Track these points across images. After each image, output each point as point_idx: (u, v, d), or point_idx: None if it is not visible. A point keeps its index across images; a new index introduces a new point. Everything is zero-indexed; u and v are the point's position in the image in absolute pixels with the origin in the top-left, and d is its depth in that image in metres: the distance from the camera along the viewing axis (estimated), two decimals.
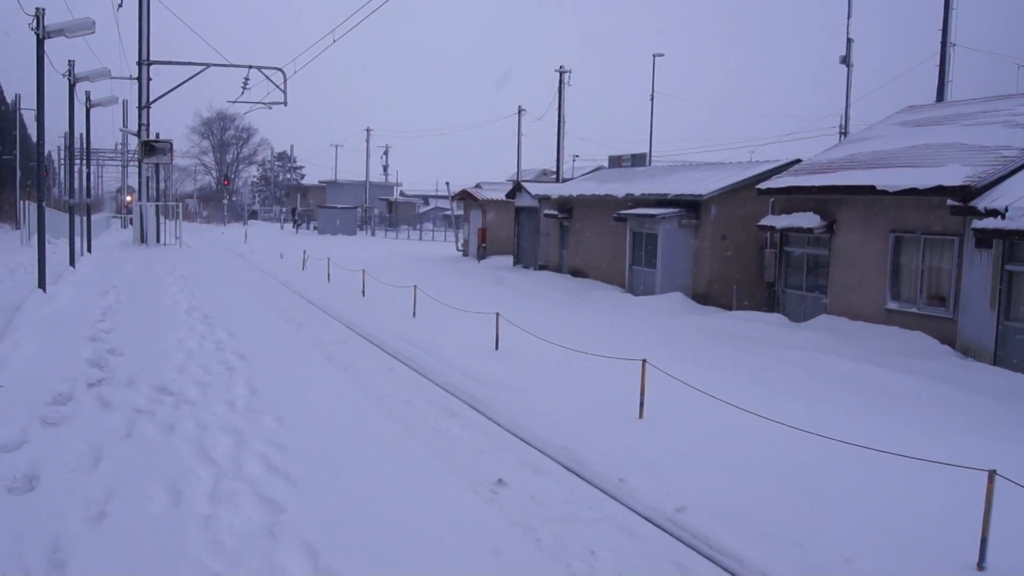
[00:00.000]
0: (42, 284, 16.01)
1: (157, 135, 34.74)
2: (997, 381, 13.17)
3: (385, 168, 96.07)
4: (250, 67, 35.00)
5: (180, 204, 44.17)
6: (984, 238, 14.19)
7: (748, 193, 21.49)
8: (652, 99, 47.20)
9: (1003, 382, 13.11)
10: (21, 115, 57.26)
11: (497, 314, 15.22)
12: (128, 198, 40.66)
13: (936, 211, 15.59)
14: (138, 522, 5.45)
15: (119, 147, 75.84)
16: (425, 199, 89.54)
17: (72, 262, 22.09)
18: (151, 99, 33.94)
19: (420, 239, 64.54)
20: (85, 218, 30.65)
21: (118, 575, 4.81)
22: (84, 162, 40.77)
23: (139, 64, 33.46)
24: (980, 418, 11.30)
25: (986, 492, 6.40)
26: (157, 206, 35.35)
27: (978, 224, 14.06)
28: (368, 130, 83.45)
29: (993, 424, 10.99)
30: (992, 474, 6.44)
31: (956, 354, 14.85)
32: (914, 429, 10.29)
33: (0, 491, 5.92)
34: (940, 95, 29.17)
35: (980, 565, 6.34)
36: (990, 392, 12.63)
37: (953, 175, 15.10)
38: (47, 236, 17.46)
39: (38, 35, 15.51)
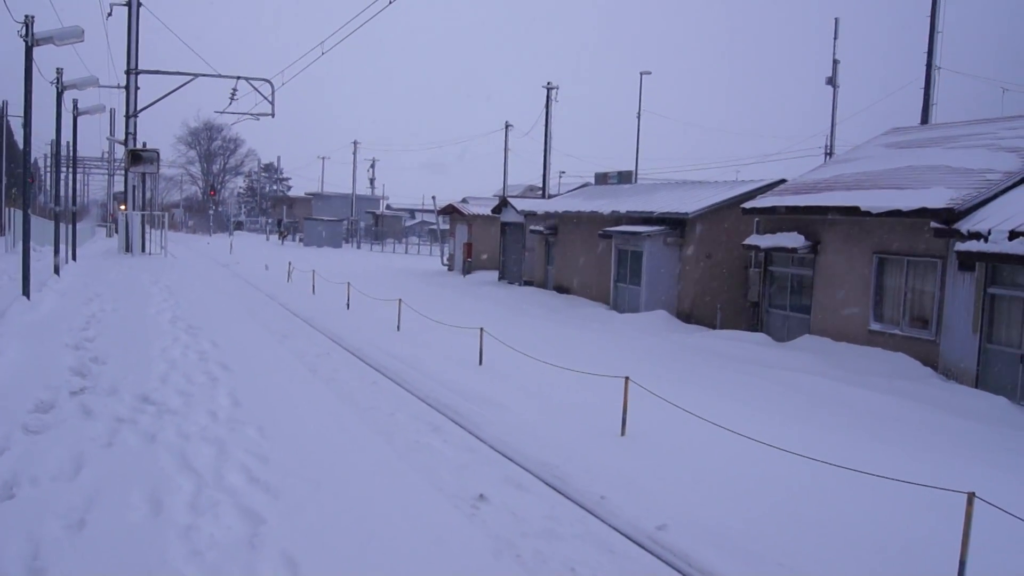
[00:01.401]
0: (26, 291, 15.93)
1: (144, 144, 34.75)
2: (979, 404, 13.26)
3: (372, 181, 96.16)
4: (238, 78, 35.06)
5: (166, 214, 44.01)
6: (967, 261, 14.33)
7: (733, 212, 21.62)
8: (639, 117, 47.50)
9: (985, 405, 13.20)
10: (8, 122, 56.93)
11: (481, 329, 15.23)
12: (121, 207, 40.52)
13: (920, 233, 15.73)
14: (118, 531, 5.44)
15: (105, 155, 75.73)
16: (411, 213, 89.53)
17: (57, 270, 21.98)
18: (139, 108, 33.90)
19: (406, 253, 64.53)
20: (70, 226, 30.50)
21: None
22: (70, 170, 40.68)
23: (127, 73, 33.45)
24: (962, 440, 11.36)
25: (965, 514, 6.45)
26: (143, 215, 35.24)
27: (961, 247, 14.19)
28: (355, 143, 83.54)
29: (974, 447, 11.05)
30: (971, 496, 6.49)
31: (938, 376, 14.94)
32: (896, 450, 10.35)
33: None
34: (925, 117, 29.49)
35: None
36: (972, 414, 12.70)
37: (937, 197, 15.24)
38: (32, 243, 17.37)
39: (27, 42, 15.50)
